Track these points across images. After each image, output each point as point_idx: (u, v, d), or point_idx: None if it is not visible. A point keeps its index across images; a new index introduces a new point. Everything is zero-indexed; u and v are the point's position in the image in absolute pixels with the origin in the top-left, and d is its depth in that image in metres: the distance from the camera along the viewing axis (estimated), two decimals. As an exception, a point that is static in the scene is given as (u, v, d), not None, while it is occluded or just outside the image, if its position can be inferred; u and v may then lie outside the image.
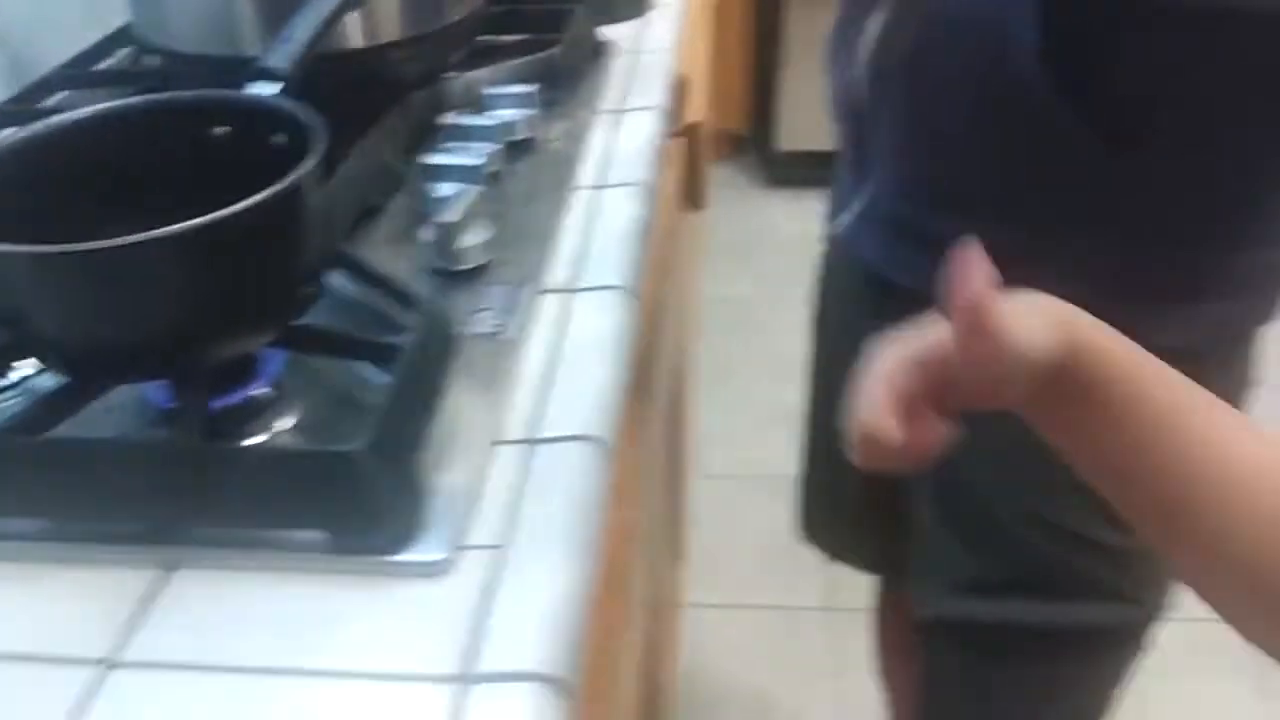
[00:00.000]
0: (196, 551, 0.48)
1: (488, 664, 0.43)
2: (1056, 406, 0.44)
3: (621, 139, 0.88)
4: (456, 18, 0.86)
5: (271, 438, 0.55)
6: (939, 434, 0.43)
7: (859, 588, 1.21)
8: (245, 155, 0.59)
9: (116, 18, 1.05)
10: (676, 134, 1.15)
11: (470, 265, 0.67)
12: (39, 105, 0.88)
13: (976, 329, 0.40)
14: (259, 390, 0.57)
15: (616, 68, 1.01)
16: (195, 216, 0.47)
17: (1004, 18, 0.63)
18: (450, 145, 0.78)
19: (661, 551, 1.25)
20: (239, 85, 0.63)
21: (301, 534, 0.48)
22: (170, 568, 0.48)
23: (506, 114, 0.83)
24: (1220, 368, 0.74)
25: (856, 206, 0.79)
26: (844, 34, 0.77)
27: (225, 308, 0.51)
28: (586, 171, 0.82)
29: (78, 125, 0.59)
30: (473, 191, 0.69)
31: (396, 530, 0.48)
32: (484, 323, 0.63)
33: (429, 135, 0.82)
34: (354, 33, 0.81)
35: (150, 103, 0.61)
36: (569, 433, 0.56)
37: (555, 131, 0.86)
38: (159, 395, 0.56)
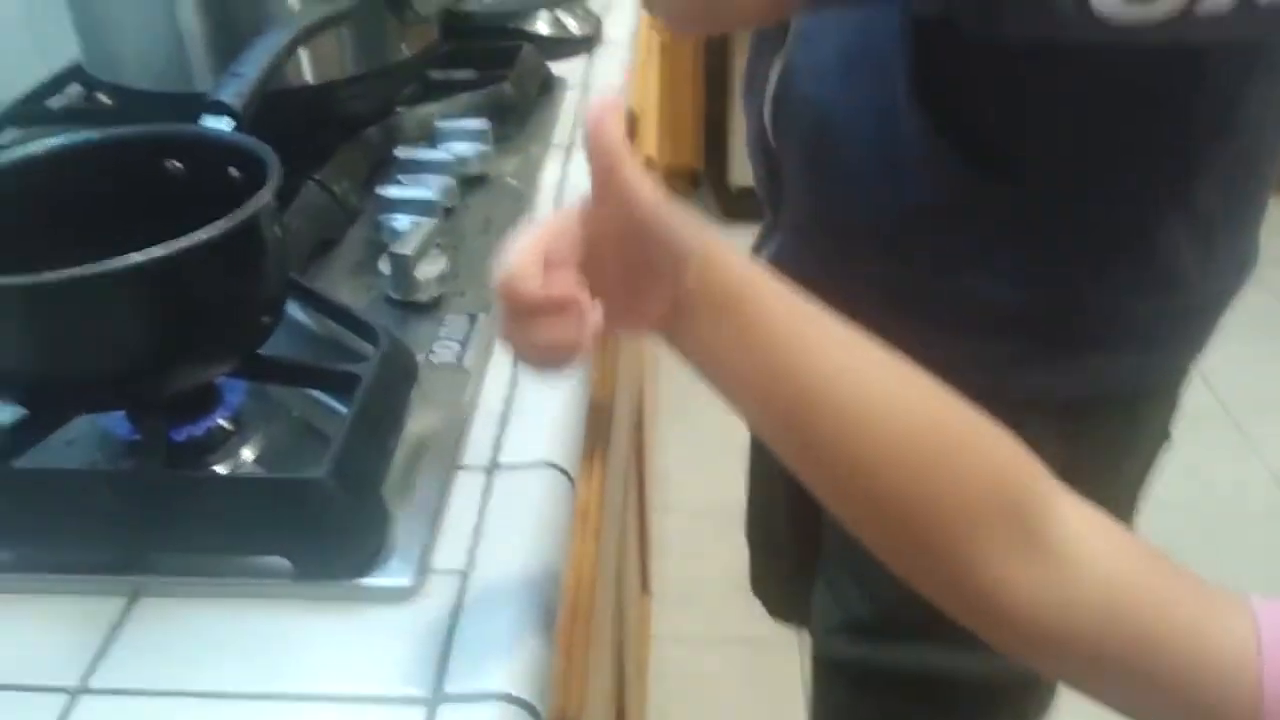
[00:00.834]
0: (162, 580, 0.48)
1: (455, 686, 0.44)
2: (695, 321, 0.42)
3: (574, 173, 0.89)
4: (408, 54, 0.87)
5: (234, 467, 0.55)
6: (583, 305, 0.40)
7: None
8: (200, 189, 0.59)
9: (66, 54, 1.05)
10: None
11: (427, 296, 0.68)
12: (-11, 144, 0.87)
13: (609, 168, 0.39)
14: (220, 420, 0.57)
15: (567, 103, 1.02)
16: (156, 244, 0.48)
17: (885, 51, 0.63)
18: (404, 179, 0.79)
19: (628, 583, 1.25)
20: (193, 120, 0.63)
21: (266, 560, 0.48)
22: (136, 596, 0.48)
23: (459, 147, 0.83)
24: (1125, 422, 0.73)
25: (773, 246, 0.79)
26: (751, 77, 0.78)
27: (183, 338, 0.51)
28: (540, 205, 0.83)
29: (33, 160, 0.59)
30: (428, 224, 0.70)
31: (360, 556, 0.48)
32: (442, 352, 0.63)
33: (383, 168, 0.83)
34: (306, 68, 0.82)
35: (105, 137, 0.61)
36: (530, 459, 0.56)
37: (508, 165, 0.87)
38: (120, 427, 0.56)
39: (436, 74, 0.96)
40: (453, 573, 0.49)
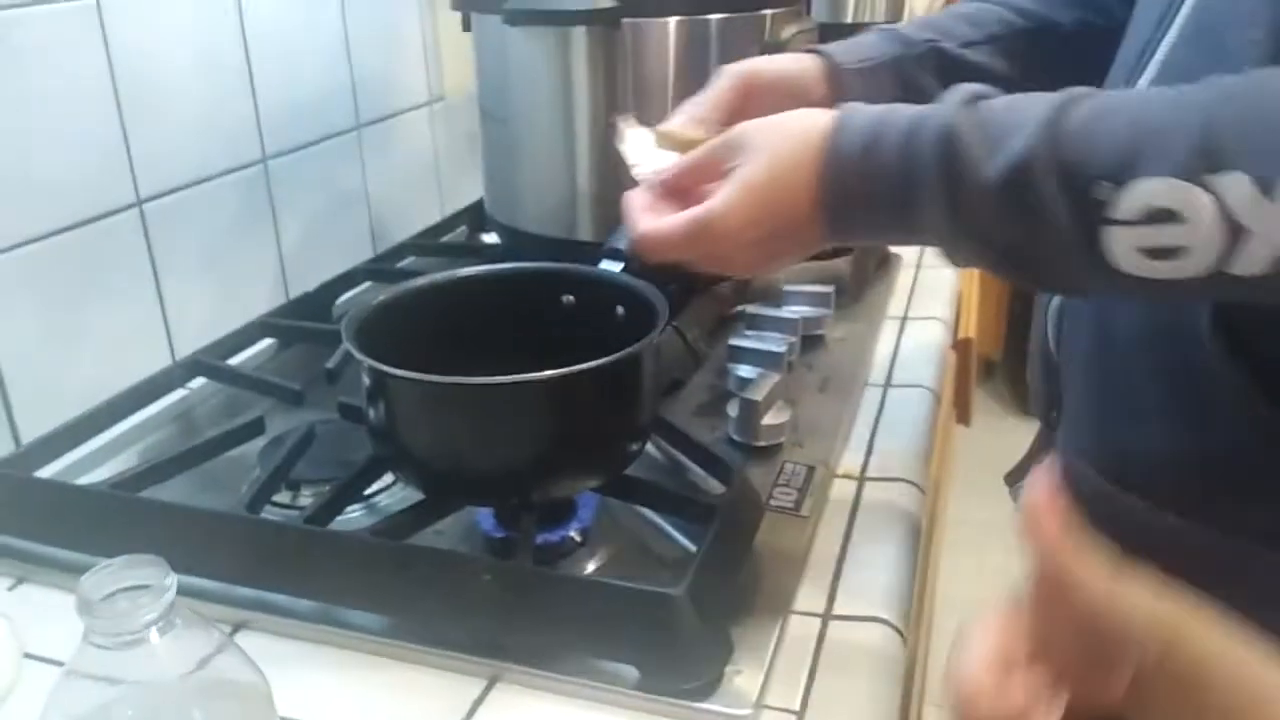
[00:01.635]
0: (519, 670, 0.52)
1: (787, 825, 0.44)
2: (1155, 698, 0.38)
3: (906, 344, 0.91)
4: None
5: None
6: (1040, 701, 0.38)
7: None
8: (587, 322, 0.66)
9: (461, 199, 1.21)
10: (950, 347, 1.17)
11: (769, 442, 0.71)
12: (393, 267, 1.02)
13: (1055, 570, 0.36)
14: (572, 531, 0.62)
15: (902, 278, 1.05)
16: (542, 370, 0.53)
17: None
18: (749, 332, 0.84)
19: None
20: (583, 262, 0.71)
21: (614, 667, 0.51)
22: (495, 680, 0.52)
23: (803, 309, 0.88)
24: None
25: (1049, 468, 0.68)
26: None
27: (570, 451, 0.57)
28: (874, 370, 0.86)
29: (453, 280, 0.68)
30: (774, 376, 0.74)
31: (705, 678, 0.50)
32: (781, 498, 0.65)
33: (729, 321, 0.88)
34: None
35: (516, 268, 0.70)
36: (863, 613, 0.57)
37: (845, 331, 0.90)
38: (486, 522, 0.62)
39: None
40: (787, 713, 0.50)
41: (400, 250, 1.05)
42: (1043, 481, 0.38)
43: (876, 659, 0.54)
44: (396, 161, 1.12)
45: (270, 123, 0.92)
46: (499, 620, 0.53)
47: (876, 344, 0.90)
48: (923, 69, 0.67)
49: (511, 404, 0.54)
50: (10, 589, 0.61)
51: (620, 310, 0.66)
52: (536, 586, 0.53)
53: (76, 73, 0.73)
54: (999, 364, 2.88)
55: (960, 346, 1.28)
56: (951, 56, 0.67)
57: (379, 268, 1.00)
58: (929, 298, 1.02)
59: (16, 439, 0.71)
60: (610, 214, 0.78)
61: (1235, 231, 0.39)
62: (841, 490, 0.69)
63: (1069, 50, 0.69)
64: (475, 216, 1.15)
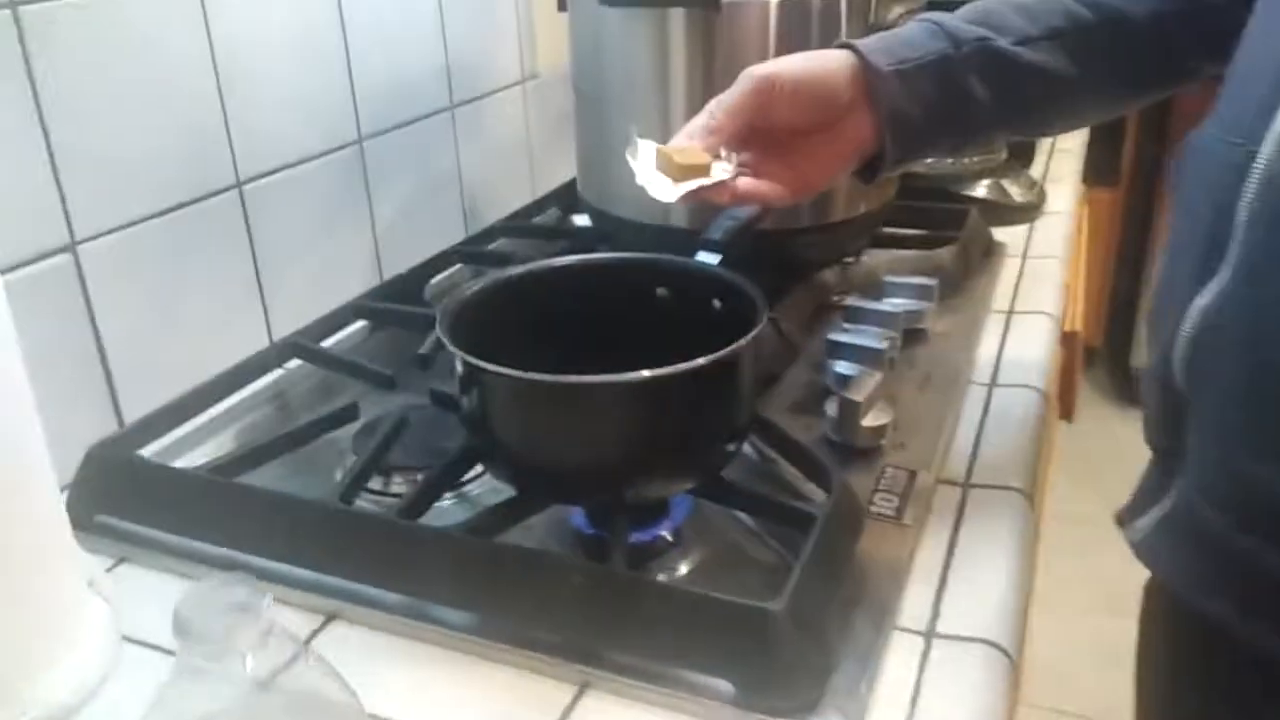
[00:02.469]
0: (611, 677, 0.51)
1: None
2: None
3: (1012, 340, 0.87)
4: (865, 210, 0.90)
5: (670, 579, 0.58)
6: None
7: None
8: (683, 315, 0.64)
9: (553, 179, 1.20)
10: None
11: (868, 444, 0.68)
12: (484, 249, 1.01)
13: None
14: (664, 532, 0.60)
15: (1007, 269, 1.01)
16: (636, 366, 0.52)
17: None
18: (849, 326, 0.81)
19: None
20: (672, 251, 0.69)
21: (708, 680, 0.49)
22: (585, 686, 0.51)
23: (904, 302, 0.85)
24: None
25: (1157, 512, 0.61)
26: (1165, 299, 0.60)
27: (665, 451, 0.55)
28: (979, 369, 0.82)
29: (550, 268, 0.67)
30: (876, 374, 0.71)
31: (802, 697, 0.48)
32: (882, 504, 0.63)
33: (827, 313, 0.85)
34: (769, 215, 0.87)
35: (612, 259, 0.68)
36: (970, 634, 0.54)
37: (949, 324, 0.87)
38: (579, 521, 0.61)
39: (887, 228, 0.99)
40: (888, 736, 0.48)
41: (491, 233, 1.04)
42: None
43: (984, 684, 0.51)
44: (490, 142, 1.12)
45: (366, 104, 0.92)
46: (590, 624, 0.52)
47: (981, 339, 0.86)
48: (969, 70, 0.61)
49: (607, 404, 0.53)
50: (109, 569, 0.62)
51: (717, 304, 0.64)
52: (629, 593, 0.52)
53: (178, 56, 0.74)
54: (1099, 351, 2.78)
55: (1066, 340, 1.23)
56: (1005, 56, 0.61)
57: (471, 250, 1.00)
58: (1036, 289, 0.97)
59: (120, 419, 0.72)
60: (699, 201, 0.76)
61: None
62: (945, 497, 0.66)
63: (1139, 45, 0.63)
64: (567, 198, 1.13)
